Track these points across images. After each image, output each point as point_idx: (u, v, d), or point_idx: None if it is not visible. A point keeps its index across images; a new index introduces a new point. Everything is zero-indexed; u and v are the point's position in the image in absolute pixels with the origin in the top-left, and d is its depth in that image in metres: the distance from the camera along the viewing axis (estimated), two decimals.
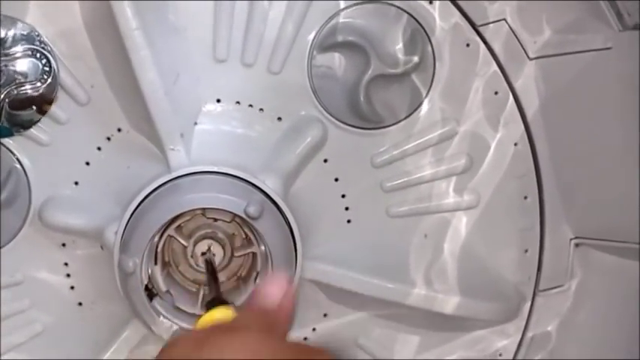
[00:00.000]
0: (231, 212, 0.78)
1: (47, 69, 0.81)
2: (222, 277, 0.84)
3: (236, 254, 0.84)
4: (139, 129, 0.84)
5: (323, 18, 0.83)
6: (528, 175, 0.88)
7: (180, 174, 0.80)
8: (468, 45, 0.85)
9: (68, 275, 0.88)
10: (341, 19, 0.84)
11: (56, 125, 0.83)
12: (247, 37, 0.83)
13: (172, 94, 0.79)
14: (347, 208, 0.88)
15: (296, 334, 0.88)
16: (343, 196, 0.88)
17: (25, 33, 0.80)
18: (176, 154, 0.81)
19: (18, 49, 0.80)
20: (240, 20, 0.83)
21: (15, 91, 0.81)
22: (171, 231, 0.81)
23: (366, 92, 0.84)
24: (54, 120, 0.83)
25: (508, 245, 0.90)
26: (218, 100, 0.85)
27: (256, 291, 0.52)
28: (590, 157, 0.84)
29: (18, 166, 0.84)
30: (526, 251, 0.90)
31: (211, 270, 0.78)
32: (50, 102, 0.82)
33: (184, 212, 0.79)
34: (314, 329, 0.90)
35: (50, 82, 0.81)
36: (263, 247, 0.81)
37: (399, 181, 0.88)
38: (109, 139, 0.84)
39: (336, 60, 0.85)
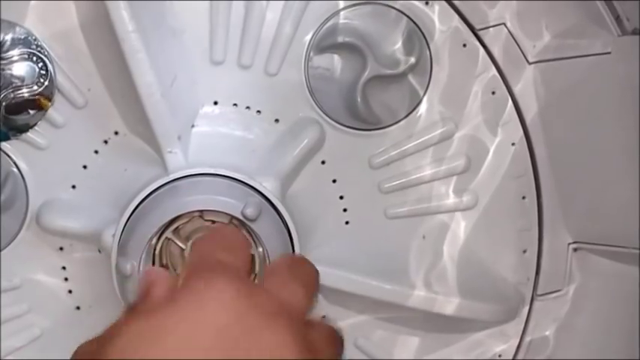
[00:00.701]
0: (228, 214, 0.78)
1: (44, 72, 0.81)
2: None
3: None
4: (136, 132, 0.84)
5: (320, 19, 0.83)
6: (526, 176, 0.88)
7: (177, 176, 0.80)
8: (466, 47, 0.85)
9: (66, 279, 0.87)
10: (338, 20, 0.83)
11: (53, 129, 0.83)
12: (244, 39, 0.83)
13: (169, 97, 0.78)
14: (345, 210, 0.88)
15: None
16: (341, 197, 0.88)
17: (21, 37, 0.80)
18: (173, 156, 0.80)
19: (14, 52, 0.80)
20: (237, 22, 0.83)
21: (11, 95, 0.80)
22: (168, 233, 0.81)
23: (364, 93, 0.84)
24: (51, 123, 0.83)
25: (507, 245, 0.90)
26: (215, 103, 0.85)
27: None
28: (589, 161, 0.84)
29: (15, 169, 0.84)
30: (524, 252, 0.90)
31: None
32: (47, 105, 0.82)
33: (182, 214, 0.78)
34: None
35: (47, 86, 0.81)
36: (261, 249, 0.80)
37: (397, 182, 0.88)
38: (106, 142, 0.84)
39: (333, 61, 0.85)
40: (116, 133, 0.84)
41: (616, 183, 0.81)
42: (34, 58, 0.80)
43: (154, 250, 0.81)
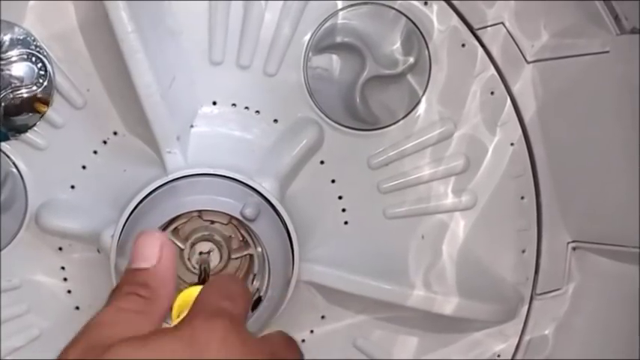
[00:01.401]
0: (227, 214, 0.78)
1: (43, 73, 0.81)
2: None
3: (233, 256, 0.84)
4: (135, 132, 0.84)
5: (319, 19, 0.83)
6: (525, 176, 0.88)
7: (176, 176, 0.80)
8: (464, 47, 0.85)
9: (65, 279, 0.87)
10: (337, 20, 0.83)
11: (52, 129, 0.83)
12: (243, 39, 0.83)
13: (168, 97, 0.79)
14: (344, 210, 0.88)
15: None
16: (340, 197, 0.88)
17: (20, 37, 0.80)
18: (172, 156, 0.80)
19: (14, 53, 0.80)
20: (236, 22, 0.83)
21: (11, 95, 0.81)
22: (168, 233, 0.81)
23: (362, 93, 0.84)
24: (50, 124, 0.83)
25: (506, 245, 0.90)
26: (214, 103, 0.85)
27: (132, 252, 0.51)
28: (587, 160, 0.84)
29: (14, 170, 0.84)
30: (523, 251, 0.90)
31: (202, 278, 0.78)
32: (46, 106, 0.82)
33: (181, 215, 0.79)
34: (312, 331, 0.90)
35: (46, 86, 0.81)
36: (260, 249, 0.80)
37: (396, 182, 0.88)
38: (105, 142, 0.84)
39: (332, 61, 0.85)
40: (115, 133, 0.84)
41: (615, 182, 0.81)
42: (33, 59, 0.80)
43: None
